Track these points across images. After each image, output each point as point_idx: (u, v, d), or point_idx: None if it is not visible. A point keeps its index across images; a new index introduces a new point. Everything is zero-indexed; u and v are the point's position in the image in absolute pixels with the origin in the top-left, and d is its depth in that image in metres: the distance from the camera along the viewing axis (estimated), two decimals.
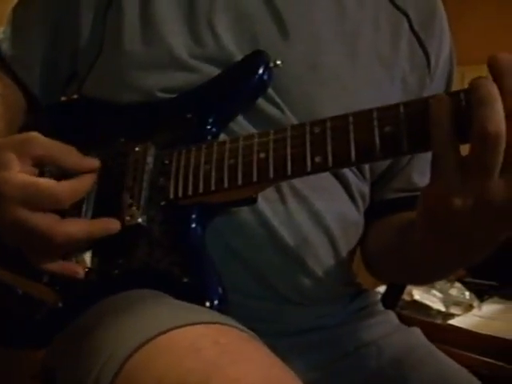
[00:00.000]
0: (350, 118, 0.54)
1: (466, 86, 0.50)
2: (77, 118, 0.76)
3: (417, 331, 0.82)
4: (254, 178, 0.58)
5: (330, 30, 0.71)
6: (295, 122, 0.66)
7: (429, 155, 0.75)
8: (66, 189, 0.61)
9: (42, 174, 0.63)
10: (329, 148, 0.55)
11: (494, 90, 0.47)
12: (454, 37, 0.79)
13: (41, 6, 0.79)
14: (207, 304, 0.59)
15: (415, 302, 1.76)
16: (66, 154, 0.63)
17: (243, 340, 0.52)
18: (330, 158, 0.55)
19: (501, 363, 1.57)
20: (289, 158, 0.57)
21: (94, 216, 0.66)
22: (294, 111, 0.68)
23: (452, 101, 0.49)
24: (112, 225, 0.63)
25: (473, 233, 0.52)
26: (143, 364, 0.48)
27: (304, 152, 0.56)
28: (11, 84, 0.79)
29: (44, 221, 0.60)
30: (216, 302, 0.60)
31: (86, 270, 0.65)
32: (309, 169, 0.56)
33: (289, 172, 0.57)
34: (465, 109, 0.48)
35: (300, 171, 0.57)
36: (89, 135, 0.73)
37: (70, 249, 0.64)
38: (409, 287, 1.79)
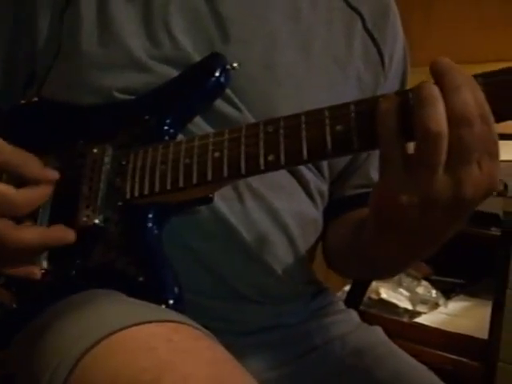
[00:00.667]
0: (303, 117, 0.55)
1: None
2: (36, 121, 0.76)
3: (378, 329, 0.82)
4: (209, 177, 0.58)
5: (285, 30, 0.72)
6: (253, 121, 0.67)
7: None
8: (24, 197, 0.60)
9: None
10: (281, 146, 0.55)
11: (435, 91, 0.48)
12: (424, 36, 0.80)
13: None
14: (163, 302, 0.59)
15: (382, 300, 1.78)
16: (27, 162, 0.62)
17: (196, 338, 0.52)
18: (282, 157, 0.55)
19: (465, 359, 1.60)
20: (243, 156, 0.57)
21: (52, 217, 0.65)
22: (252, 111, 0.68)
23: (399, 100, 0.50)
24: (68, 235, 0.62)
25: (421, 230, 0.52)
26: (96, 363, 0.48)
27: (257, 151, 0.56)
28: None
29: None
30: (171, 301, 0.60)
31: (43, 270, 0.64)
32: (262, 167, 0.56)
33: (243, 170, 0.57)
34: (411, 108, 0.49)
35: (254, 170, 0.57)
36: (48, 137, 0.72)
37: (25, 254, 0.63)
38: (376, 286, 1.81)
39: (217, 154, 0.58)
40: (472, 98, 0.47)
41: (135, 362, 0.46)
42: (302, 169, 0.72)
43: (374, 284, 1.81)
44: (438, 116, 0.47)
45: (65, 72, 0.72)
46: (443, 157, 0.47)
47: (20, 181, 0.62)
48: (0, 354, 0.72)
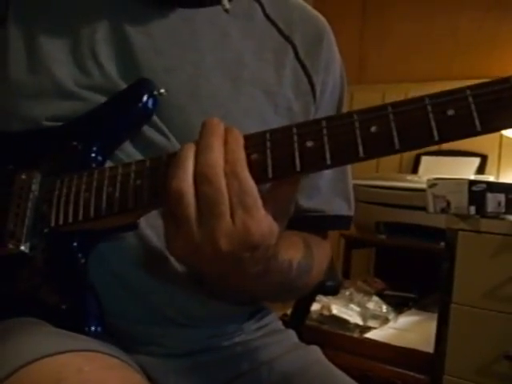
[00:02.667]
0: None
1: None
2: None
3: (315, 349, 0.83)
4: (130, 205, 0.58)
5: (212, 58, 0.72)
6: (177, 147, 0.66)
7: (314, 182, 0.76)
8: None
9: None
10: None
11: (188, 151, 0.52)
12: (377, 53, 0.81)
13: None
14: (83, 330, 0.60)
15: (333, 316, 1.80)
16: None
17: (109, 367, 0.52)
18: None
19: (412, 373, 1.63)
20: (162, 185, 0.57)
21: None
22: (179, 139, 0.69)
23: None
24: None
25: (210, 276, 0.59)
26: None
27: None
28: None
29: None
30: (93, 328, 0.60)
31: None
32: None
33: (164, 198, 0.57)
34: None
35: None
36: None
37: None
38: (328, 302, 1.83)
39: (138, 182, 0.58)
40: (219, 158, 0.51)
41: None
42: None
43: (325, 300, 1.83)
44: (182, 175, 0.51)
45: None
46: (188, 212, 0.51)
47: None
48: None
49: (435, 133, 0.48)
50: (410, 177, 2.13)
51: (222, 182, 0.50)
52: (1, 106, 0.71)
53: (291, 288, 0.71)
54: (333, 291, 1.12)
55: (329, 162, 0.51)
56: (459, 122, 0.48)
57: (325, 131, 0.51)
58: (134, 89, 0.68)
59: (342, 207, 0.82)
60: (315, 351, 0.83)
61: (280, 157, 0.52)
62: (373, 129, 0.50)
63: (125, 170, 0.60)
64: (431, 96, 0.49)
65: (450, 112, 0.48)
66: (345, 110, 0.83)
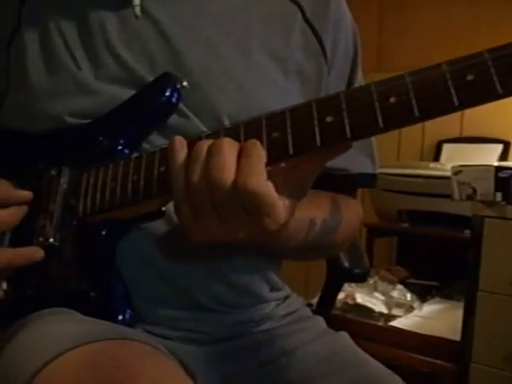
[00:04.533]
0: (242, 128, 0.55)
1: None
2: None
3: (344, 335, 0.83)
4: (154, 192, 0.59)
5: (219, 33, 0.73)
6: (202, 128, 0.68)
7: None
8: None
9: None
10: None
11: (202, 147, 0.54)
12: (398, 42, 0.80)
13: None
14: (113, 318, 0.61)
15: (358, 305, 1.80)
16: None
17: (143, 354, 0.53)
18: None
19: (439, 361, 1.61)
20: None
21: (12, 239, 0.67)
22: (199, 118, 0.69)
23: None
24: (36, 253, 0.63)
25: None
26: None
27: None
28: None
29: None
30: (121, 316, 0.61)
31: (3, 291, 0.65)
32: None
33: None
34: None
35: None
36: (8, 164, 0.73)
37: None
38: (352, 291, 1.83)
39: (162, 168, 0.59)
40: (229, 162, 0.52)
41: (80, 381, 0.47)
42: None
43: (349, 289, 1.82)
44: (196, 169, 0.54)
45: (17, 103, 0.74)
46: (206, 207, 0.53)
47: None
48: None
49: (455, 98, 0.47)
50: (432, 164, 2.10)
51: (231, 189, 0.51)
52: (23, 107, 0.73)
53: (316, 246, 0.72)
54: (361, 278, 1.12)
55: (349, 135, 0.51)
56: (479, 87, 0.47)
57: (344, 105, 0.51)
58: (157, 83, 0.69)
59: (366, 165, 0.82)
60: (344, 337, 0.83)
61: (300, 133, 0.52)
62: (392, 99, 0.49)
63: (149, 158, 0.61)
64: (449, 62, 0.49)
65: (470, 77, 0.47)
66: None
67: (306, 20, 0.77)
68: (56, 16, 0.73)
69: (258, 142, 0.52)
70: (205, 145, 0.53)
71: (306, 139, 0.52)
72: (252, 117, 0.56)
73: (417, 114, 0.49)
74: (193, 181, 0.53)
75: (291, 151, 0.52)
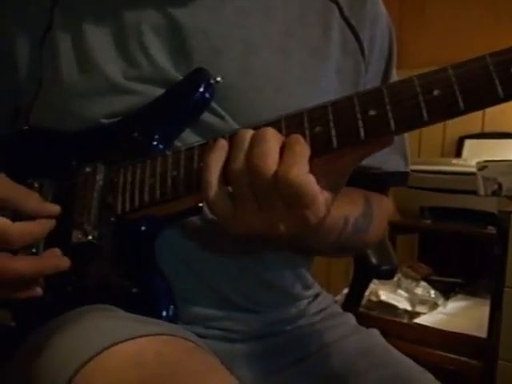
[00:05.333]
0: (283, 122, 0.55)
1: None
2: (28, 148, 0.77)
3: (375, 332, 0.83)
4: (194, 187, 0.59)
5: (259, 33, 0.72)
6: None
7: None
8: (19, 231, 0.61)
9: None
10: None
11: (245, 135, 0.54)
12: (417, 39, 0.80)
13: None
14: (156, 314, 0.60)
15: (382, 302, 1.79)
16: (26, 198, 0.63)
17: (187, 350, 0.53)
18: None
19: (465, 359, 1.60)
20: None
21: (48, 237, 0.66)
22: (236, 118, 0.69)
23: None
24: (62, 263, 0.63)
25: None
26: (88, 381, 0.49)
27: None
28: None
29: None
30: (164, 313, 0.61)
31: (42, 288, 0.65)
32: None
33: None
34: None
35: None
36: (41, 163, 0.73)
37: (22, 283, 0.63)
38: (375, 288, 1.82)
39: (202, 164, 0.58)
40: (273, 148, 0.52)
41: (124, 378, 0.47)
42: None
43: (373, 286, 1.82)
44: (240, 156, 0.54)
45: (49, 103, 0.74)
46: (247, 195, 0.53)
47: (20, 217, 0.63)
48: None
49: (500, 90, 0.47)
50: (454, 160, 2.09)
51: (272, 178, 0.51)
52: (56, 106, 0.72)
53: (347, 244, 0.73)
54: (389, 275, 1.11)
55: (393, 128, 0.51)
56: None
57: (387, 99, 0.51)
58: (190, 79, 0.68)
59: (399, 163, 0.82)
60: (375, 334, 0.83)
61: (343, 127, 0.52)
62: (435, 92, 0.49)
63: (188, 154, 0.61)
64: (492, 54, 0.48)
65: None
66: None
67: (344, 17, 0.77)
68: (89, 15, 0.73)
69: (301, 138, 0.52)
70: (248, 133, 0.53)
71: (349, 133, 0.52)
72: (293, 111, 0.55)
73: (462, 106, 0.48)
74: (234, 167, 0.52)
75: (335, 145, 0.52)
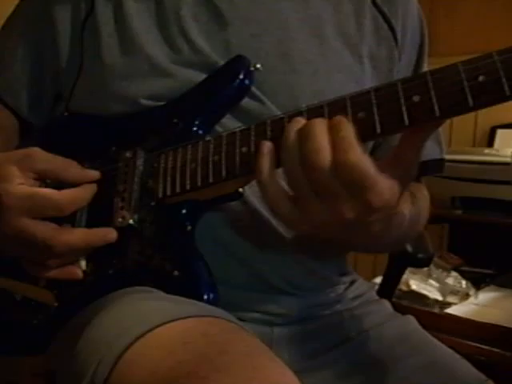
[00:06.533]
0: (325, 108, 0.55)
1: None
2: (68, 134, 0.78)
3: (411, 319, 0.83)
4: (237, 172, 0.59)
5: (295, 18, 0.73)
6: (276, 112, 0.68)
7: None
8: (68, 197, 0.63)
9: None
10: None
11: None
12: (447, 27, 0.80)
13: (20, 32, 0.81)
14: (198, 297, 0.61)
15: (412, 291, 1.78)
16: (67, 167, 0.66)
17: (231, 331, 0.53)
18: None
19: (497, 350, 1.59)
20: None
21: (89, 221, 0.68)
22: (274, 102, 0.70)
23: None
24: (109, 234, 0.65)
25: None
26: (136, 359, 0.50)
27: None
28: (3, 108, 0.82)
29: (44, 230, 0.61)
30: (206, 296, 0.62)
31: (83, 271, 0.67)
32: None
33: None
34: None
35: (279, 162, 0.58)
36: (82, 148, 0.75)
37: (70, 255, 0.65)
38: (406, 278, 1.81)
39: (244, 149, 0.59)
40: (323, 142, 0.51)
41: (172, 357, 0.48)
42: None
43: (403, 276, 1.80)
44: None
45: (90, 85, 0.75)
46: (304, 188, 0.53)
47: (62, 188, 0.65)
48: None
49: None
50: (487, 150, 2.06)
51: (331, 168, 0.50)
52: (97, 88, 0.74)
53: (403, 239, 0.75)
54: (424, 263, 1.11)
55: (438, 114, 0.50)
56: None
57: (430, 84, 0.51)
58: (230, 66, 0.69)
59: (434, 151, 0.82)
60: (412, 321, 0.83)
61: (387, 113, 0.52)
62: (481, 78, 0.49)
63: (230, 139, 0.61)
64: None
65: None
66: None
67: (376, 5, 0.77)
68: (130, 1, 0.74)
69: (344, 118, 0.52)
70: (292, 131, 0.53)
71: (393, 118, 0.52)
72: (334, 97, 0.56)
73: (507, 92, 0.48)
74: (289, 170, 0.53)
75: (378, 130, 0.52)
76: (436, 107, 0.50)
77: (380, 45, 0.77)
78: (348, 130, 0.51)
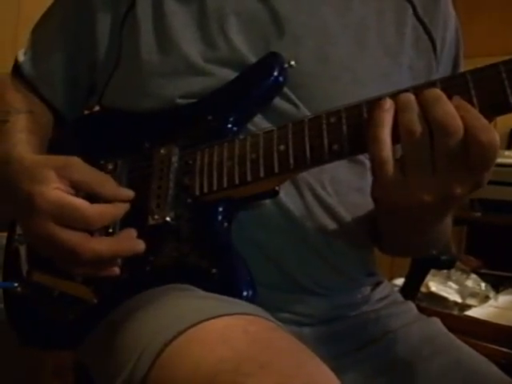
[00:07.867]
0: (364, 107, 0.56)
1: None
2: (101, 129, 0.79)
3: (436, 321, 0.83)
4: (276, 170, 0.60)
5: (337, 23, 0.73)
6: None
7: None
8: (98, 212, 0.62)
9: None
10: (345, 136, 0.57)
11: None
12: (467, 28, 0.81)
13: (58, 25, 0.82)
14: (237, 294, 0.62)
15: (432, 293, 1.77)
16: (103, 182, 0.65)
17: (271, 329, 0.54)
18: (346, 145, 0.57)
19: None
20: (307, 147, 0.59)
21: (124, 217, 0.67)
22: (309, 106, 0.70)
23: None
24: (138, 246, 0.64)
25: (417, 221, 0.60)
26: (176, 356, 0.50)
27: (322, 141, 0.58)
28: (39, 102, 0.83)
29: (72, 237, 0.61)
30: (245, 293, 0.62)
31: (119, 267, 0.67)
32: (327, 157, 0.59)
33: (308, 161, 0.59)
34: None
35: (318, 160, 0.59)
36: (115, 143, 0.75)
37: (99, 263, 0.65)
38: (426, 280, 1.81)
39: (282, 147, 0.60)
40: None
41: (214, 354, 0.48)
42: (363, 157, 0.74)
43: None
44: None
45: (125, 81, 0.76)
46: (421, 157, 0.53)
47: (95, 200, 0.64)
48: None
49: None
50: (507, 152, 2.05)
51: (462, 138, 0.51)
52: (131, 84, 0.74)
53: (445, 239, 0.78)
54: (448, 265, 1.12)
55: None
56: None
57: (471, 84, 0.52)
58: (264, 62, 0.69)
59: None
60: (437, 322, 0.83)
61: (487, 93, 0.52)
62: None
63: (267, 137, 0.62)
64: None
65: None
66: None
67: (417, 16, 0.78)
68: None
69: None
70: (411, 96, 0.54)
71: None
72: (372, 96, 0.57)
73: None
74: (412, 131, 0.53)
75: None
76: (477, 107, 0.52)
77: (419, 55, 0.78)
78: (469, 109, 0.52)
